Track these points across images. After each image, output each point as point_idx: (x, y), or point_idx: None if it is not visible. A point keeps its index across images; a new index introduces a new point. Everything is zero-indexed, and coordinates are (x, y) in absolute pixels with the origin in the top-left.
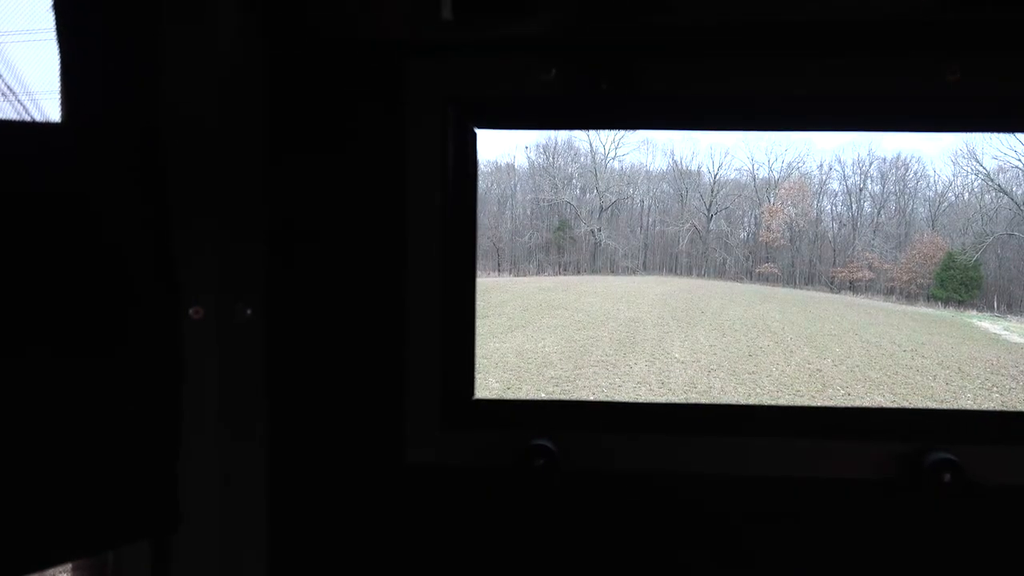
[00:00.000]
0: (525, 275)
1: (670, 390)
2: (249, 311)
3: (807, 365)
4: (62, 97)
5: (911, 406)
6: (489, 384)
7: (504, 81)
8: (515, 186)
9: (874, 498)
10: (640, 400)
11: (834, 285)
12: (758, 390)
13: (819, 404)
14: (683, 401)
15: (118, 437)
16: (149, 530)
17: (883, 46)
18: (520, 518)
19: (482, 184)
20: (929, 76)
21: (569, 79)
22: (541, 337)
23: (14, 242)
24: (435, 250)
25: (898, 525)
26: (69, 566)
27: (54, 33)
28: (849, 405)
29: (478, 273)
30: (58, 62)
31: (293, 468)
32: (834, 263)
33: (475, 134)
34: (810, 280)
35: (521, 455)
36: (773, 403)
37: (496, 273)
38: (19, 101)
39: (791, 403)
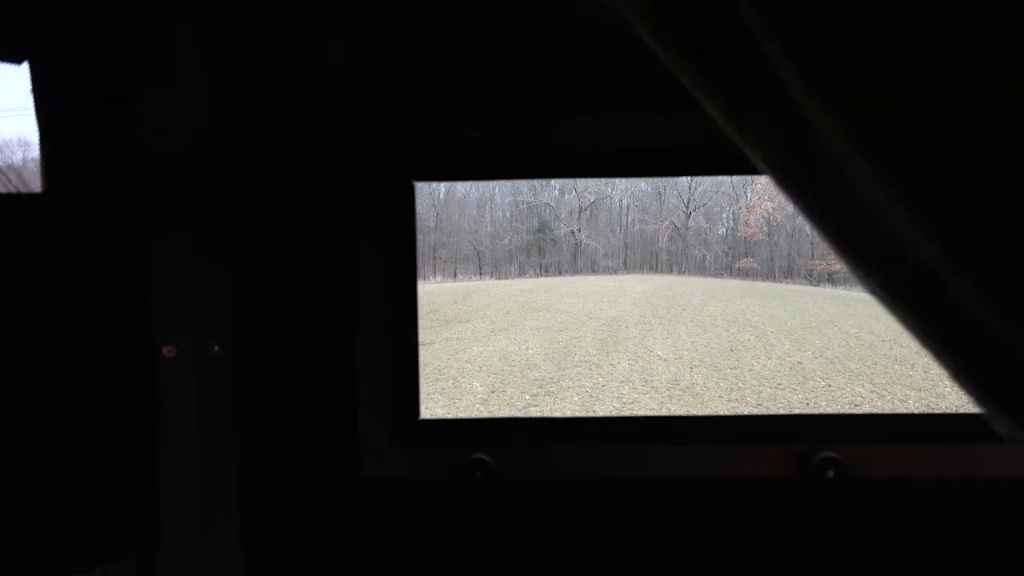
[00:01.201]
0: (506, 278)
1: (653, 387)
2: (217, 347)
3: (788, 358)
4: (41, 169)
5: (890, 396)
6: (473, 388)
7: (437, 138)
8: (494, 189)
9: (775, 493)
10: (575, 415)
11: (813, 278)
12: (740, 384)
13: (798, 397)
14: (608, 415)
15: (99, 466)
16: (132, 550)
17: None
18: (463, 525)
19: (461, 188)
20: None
21: (493, 135)
22: (524, 339)
23: (5, 296)
24: (380, 288)
25: (796, 515)
26: None
27: (33, 110)
28: (756, 412)
29: (461, 277)
30: (37, 137)
31: (262, 486)
32: (812, 256)
33: (412, 185)
34: (789, 274)
35: (462, 468)
36: (756, 401)
37: (478, 277)
38: (4, 174)
39: (773, 396)
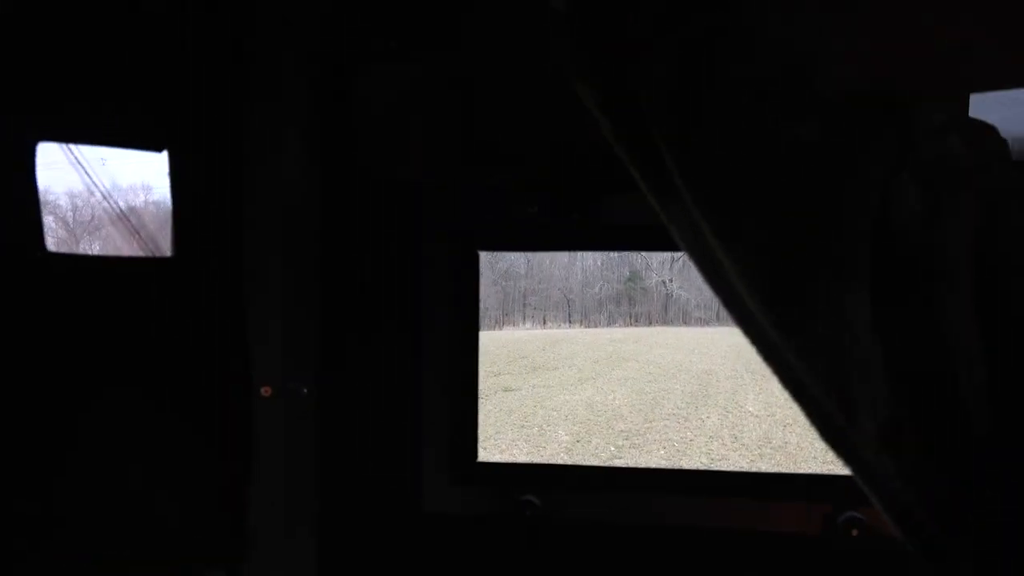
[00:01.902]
0: (595, 326)
1: (743, 445)
2: (305, 390)
3: None
4: (172, 236)
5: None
6: (558, 437)
7: (499, 213)
8: None
9: (804, 549)
10: (620, 465)
11: None
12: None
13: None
14: (657, 467)
15: (202, 481)
16: (221, 558)
17: None
18: (510, 558)
19: None
20: None
21: (548, 212)
22: (611, 389)
23: (134, 343)
24: (445, 345)
25: (823, 571)
26: None
27: (168, 188)
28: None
29: (550, 325)
30: (171, 210)
31: (337, 515)
32: None
33: (476, 254)
34: None
35: (512, 507)
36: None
37: (567, 325)
38: (143, 238)
39: None
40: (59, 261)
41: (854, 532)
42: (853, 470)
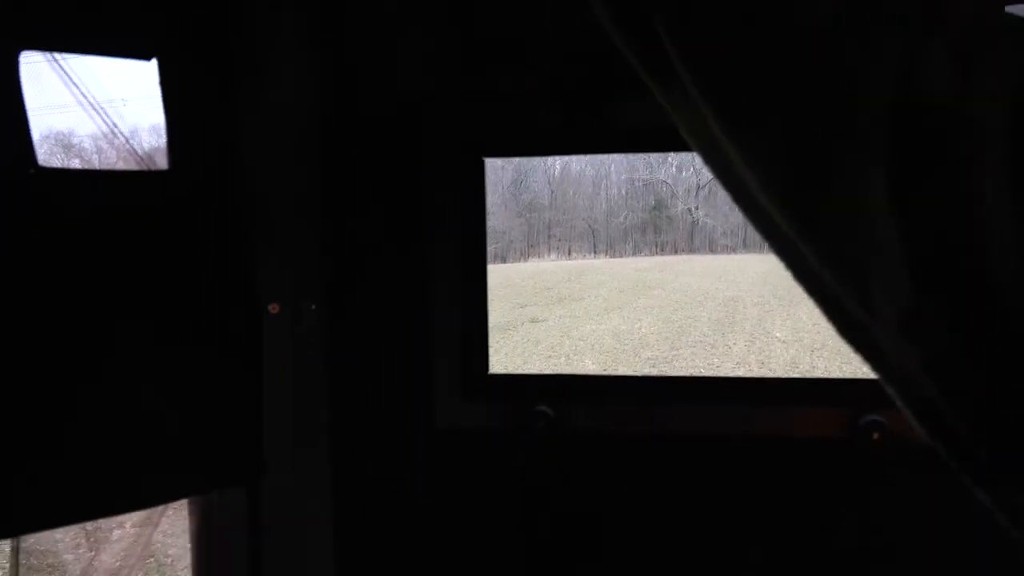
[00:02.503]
0: (621, 256)
1: (771, 370)
2: (313, 307)
3: None
4: (168, 150)
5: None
6: (586, 366)
7: (509, 120)
8: (610, 167)
9: (822, 453)
10: (632, 374)
11: None
12: (865, 370)
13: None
14: (663, 375)
15: (215, 405)
16: (242, 478)
17: None
18: (524, 467)
19: (576, 166)
20: None
21: (554, 116)
22: (638, 318)
23: (136, 260)
24: (453, 255)
25: (839, 476)
26: (185, 503)
27: (162, 104)
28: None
29: (575, 255)
30: (164, 123)
31: (350, 431)
32: None
33: (483, 162)
34: None
35: (524, 419)
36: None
37: (592, 255)
38: (138, 153)
39: None
40: (51, 175)
41: (875, 436)
42: (874, 368)
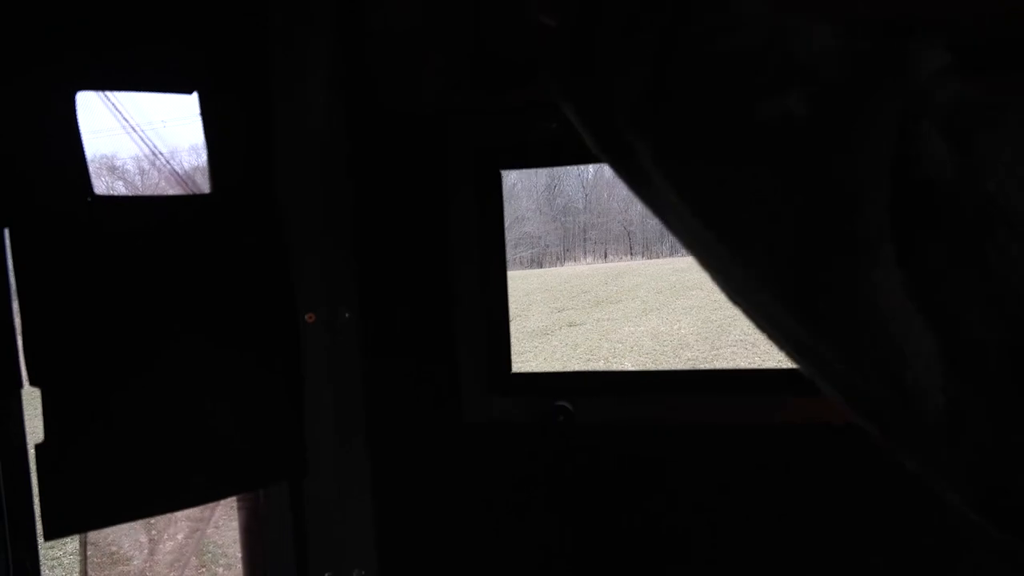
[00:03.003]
0: (658, 257)
1: None
2: (347, 314)
3: None
4: (209, 175)
5: None
6: (624, 368)
7: (520, 133)
8: None
9: (842, 440)
10: (646, 369)
11: None
12: None
13: None
14: (674, 368)
15: (261, 408)
16: (286, 475)
17: None
18: (546, 457)
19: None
20: None
21: (567, 128)
22: (676, 319)
23: (184, 276)
24: (475, 261)
25: (845, 458)
26: (235, 500)
27: (203, 133)
28: None
29: (611, 258)
30: (206, 150)
31: (384, 427)
32: None
33: (499, 174)
34: None
35: (545, 413)
36: None
37: (628, 257)
38: (179, 174)
39: None
40: (106, 202)
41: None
42: (920, 467)
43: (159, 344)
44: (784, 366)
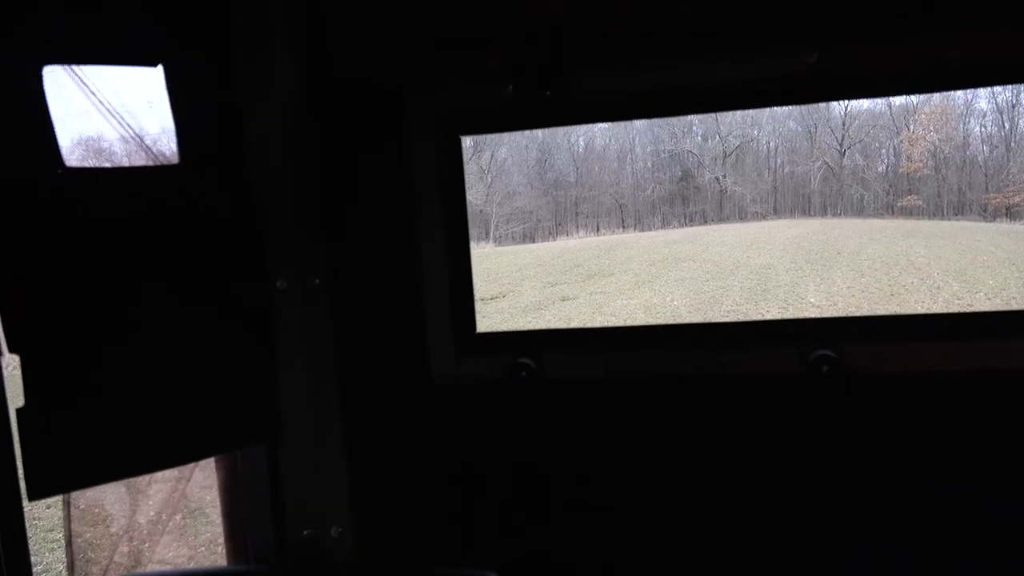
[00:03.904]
0: (650, 229)
1: None
2: (317, 281)
3: (956, 301)
4: (178, 145)
5: None
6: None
7: (477, 100)
8: (634, 140)
9: (779, 389)
10: (603, 326)
11: (987, 213)
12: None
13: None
14: (632, 324)
15: (235, 371)
16: (261, 436)
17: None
18: (512, 414)
19: (600, 141)
20: (788, 59)
21: (522, 92)
22: (669, 291)
23: (155, 245)
24: (438, 227)
25: (795, 409)
26: (212, 461)
27: (169, 105)
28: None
29: (603, 231)
30: (173, 122)
31: (356, 389)
32: (986, 189)
33: (459, 139)
34: (960, 210)
35: (510, 371)
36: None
37: (620, 230)
38: (148, 148)
39: None
40: (77, 174)
41: (824, 369)
42: None
43: (134, 311)
44: (742, 315)
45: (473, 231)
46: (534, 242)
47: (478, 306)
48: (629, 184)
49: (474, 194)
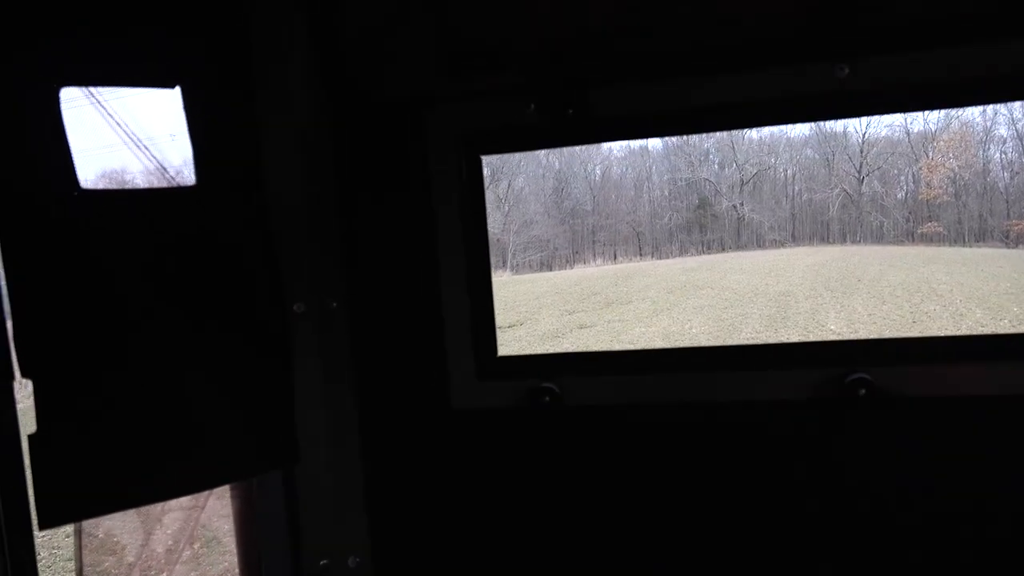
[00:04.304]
0: (667, 257)
1: None
2: (335, 304)
3: (980, 328)
4: (195, 167)
5: None
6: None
7: (498, 118)
8: (650, 168)
9: (813, 414)
10: (628, 349)
11: (1009, 239)
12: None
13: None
14: (654, 348)
15: (251, 397)
16: (277, 463)
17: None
18: (534, 440)
19: (617, 169)
20: (823, 76)
21: (544, 110)
22: (687, 319)
23: (173, 267)
24: (459, 249)
25: (834, 434)
26: (228, 489)
27: (186, 126)
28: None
29: (621, 259)
30: (190, 143)
31: (375, 416)
32: (1008, 215)
33: (480, 159)
34: (981, 236)
35: (532, 396)
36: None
37: (638, 258)
38: (171, 179)
39: None
40: (92, 196)
41: (861, 392)
42: None
43: (149, 335)
44: (762, 342)
45: (491, 259)
46: (551, 270)
47: (496, 334)
48: (646, 212)
49: (492, 223)
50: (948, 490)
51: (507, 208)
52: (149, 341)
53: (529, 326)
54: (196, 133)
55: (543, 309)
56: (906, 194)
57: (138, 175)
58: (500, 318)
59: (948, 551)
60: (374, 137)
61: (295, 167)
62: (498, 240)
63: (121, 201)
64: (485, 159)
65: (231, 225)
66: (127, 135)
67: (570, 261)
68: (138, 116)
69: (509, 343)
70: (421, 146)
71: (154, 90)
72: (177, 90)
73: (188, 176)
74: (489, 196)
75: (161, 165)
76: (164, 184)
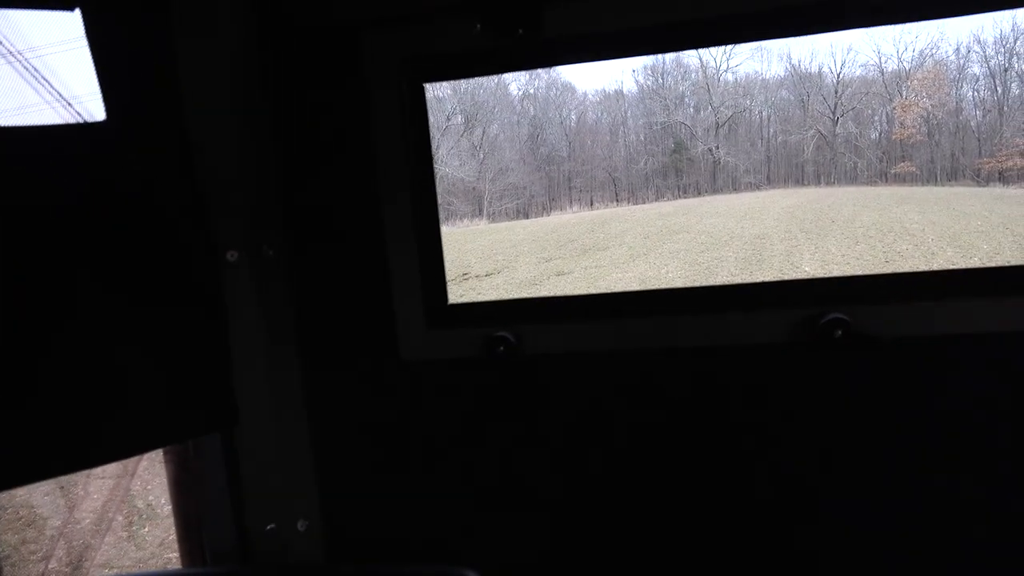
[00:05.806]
0: (643, 202)
1: None
2: (271, 252)
3: (951, 266)
4: (103, 100)
5: None
6: None
7: (441, 40)
8: (626, 112)
9: (785, 357)
10: (586, 293)
11: (981, 178)
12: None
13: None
14: (614, 291)
15: (182, 353)
16: (215, 425)
17: None
18: (489, 392)
19: (592, 114)
20: None
21: (491, 30)
22: (664, 263)
23: (86, 215)
24: (403, 185)
25: (809, 377)
26: (160, 454)
27: (90, 54)
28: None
29: (597, 205)
30: (95, 73)
31: (318, 369)
32: (980, 154)
33: (423, 87)
34: (953, 175)
35: (486, 345)
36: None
37: (614, 203)
38: (69, 105)
39: None
40: None
41: (837, 333)
42: None
43: (62, 292)
44: (727, 282)
45: (466, 208)
46: (528, 218)
47: (473, 283)
48: (622, 157)
49: (467, 171)
50: (930, 432)
51: (482, 156)
52: (63, 299)
53: (507, 274)
54: (102, 62)
55: (520, 257)
56: (880, 134)
57: (34, 108)
58: (477, 267)
59: (936, 493)
60: (308, 64)
61: (220, 98)
62: (474, 188)
63: (22, 139)
64: (459, 105)
65: (149, 165)
66: (51, 91)
67: (547, 208)
68: (26, 35)
69: (487, 291)
70: (359, 74)
71: (50, 12)
72: (77, 12)
73: (96, 111)
74: (464, 144)
75: (62, 96)
76: (69, 119)
